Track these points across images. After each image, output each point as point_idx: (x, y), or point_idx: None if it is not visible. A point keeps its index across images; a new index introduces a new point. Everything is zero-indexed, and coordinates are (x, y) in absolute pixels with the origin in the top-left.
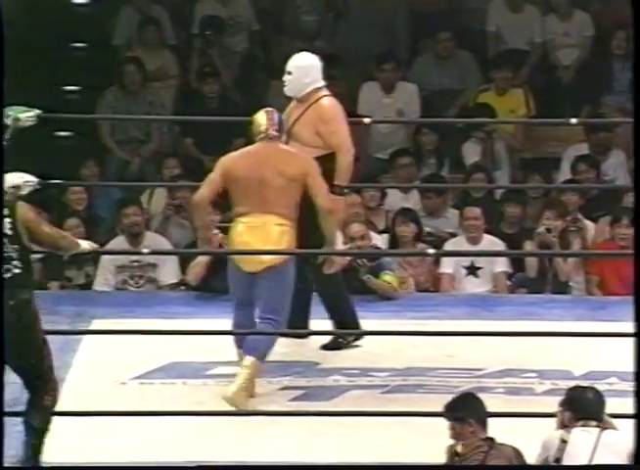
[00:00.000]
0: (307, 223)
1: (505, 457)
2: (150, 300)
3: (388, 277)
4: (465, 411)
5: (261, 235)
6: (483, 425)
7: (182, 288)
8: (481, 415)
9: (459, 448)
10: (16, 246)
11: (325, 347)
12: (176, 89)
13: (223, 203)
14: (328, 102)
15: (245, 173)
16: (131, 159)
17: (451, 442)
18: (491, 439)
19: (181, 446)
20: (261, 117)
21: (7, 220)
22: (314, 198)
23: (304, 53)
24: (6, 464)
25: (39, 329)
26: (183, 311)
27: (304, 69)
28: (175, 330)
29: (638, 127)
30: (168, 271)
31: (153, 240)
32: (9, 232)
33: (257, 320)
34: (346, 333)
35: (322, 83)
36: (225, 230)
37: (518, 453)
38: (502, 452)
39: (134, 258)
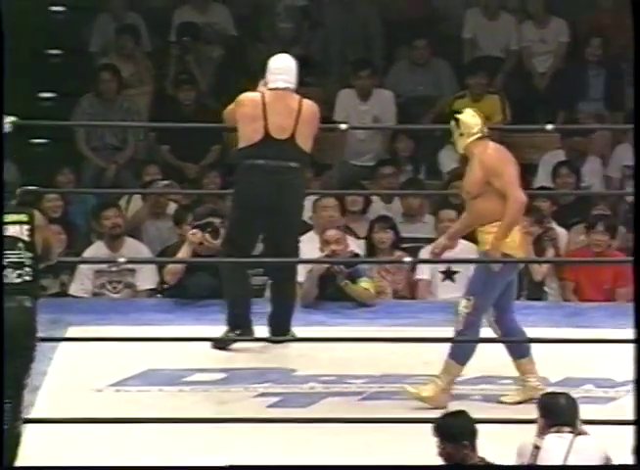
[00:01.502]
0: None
1: None
2: (126, 307)
3: (365, 283)
4: (459, 432)
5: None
6: (475, 447)
7: (159, 295)
8: (474, 436)
9: None
10: (30, 254)
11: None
12: (152, 96)
13: (194, 206)
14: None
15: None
16: (107, 165)
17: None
18: (482, 459)
19: (158, 453)
20: (471, 118)
21: (25, 227)
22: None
23: (283, 54)
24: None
25: (34, 338)
26: (159, 318)
27: (294, 69)
28: (151, 337)
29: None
30: (146, 277)
31: (132, 246)
32: (26, 239)
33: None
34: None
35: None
36: (204, 228)
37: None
38: None
39: None
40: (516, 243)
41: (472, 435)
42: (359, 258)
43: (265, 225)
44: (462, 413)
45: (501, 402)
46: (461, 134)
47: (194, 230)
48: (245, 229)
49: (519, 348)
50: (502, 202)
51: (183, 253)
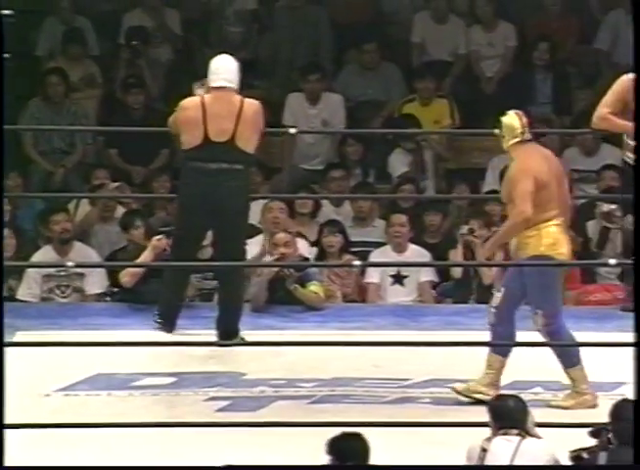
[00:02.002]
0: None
1: None
2: (74, 311)
3: (314, 287)
4: (350, 453)
5: (568, 236)
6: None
7: (107, 298)
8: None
9: None
10: None
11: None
12: (100, 100)
13: (143, 210)
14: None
15: (548, 178)
16: (55, 169)
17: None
18: None
19: (107, 457)
20: (514, 120)
21: None
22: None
23: (224, 55)
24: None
25: None
26: (108, 323)
27: (235, 69)
28: (100, 342)
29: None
30: (95, 281)
31: (80, 250)
32: None
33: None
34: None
35: None
36: (169, 235)
37: None
38: None
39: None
40: (549, 244)
41: (362, 457)
42: (309, 261)
43: (210, 228)
44: (356, 436)
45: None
46: (503, 136)
47: (159, 236)
48: (189, 232)
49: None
50: (535, 207)
51: (145, 257)
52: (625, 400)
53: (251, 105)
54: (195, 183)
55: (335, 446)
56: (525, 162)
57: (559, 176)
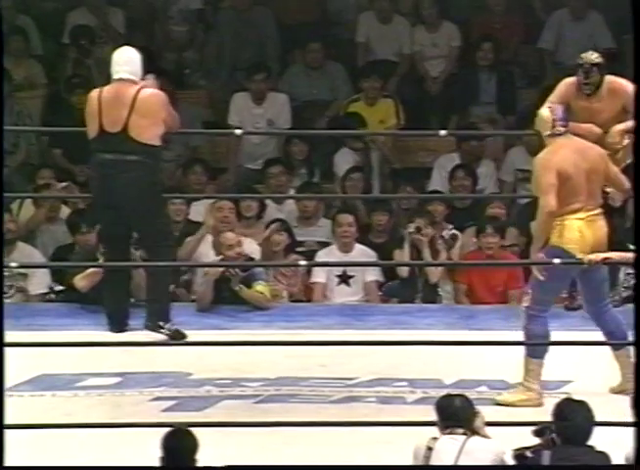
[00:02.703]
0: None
1: None
2: (18, 311)
3: (260, 287)
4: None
5: (595, 229)
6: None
7: (52, 295)
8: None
9: None
10: None
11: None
12: (44, 99)
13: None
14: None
15: (574, 171)
16: None
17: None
18: None
19: (51, 458)
20: (545, 114)
21: None
22: (613, 186)
23: (127, 46)
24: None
25: None
26: (52, 323)
27: (137, 60)
28: (44, 342)
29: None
30: (38, 281)
31: (24, 250)
32: None
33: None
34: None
35: None
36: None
37: None
38: None
39: None
40: (568, 238)
41: (190, 454)
42: (255, 261)
43: (119, 222)
44: (186, 432)
45: (498, 404)
46: (539, 129)
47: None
48: (106, 228)
49: (533, 347)
50: (558, 200)
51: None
52: (568, 400)
53: (150, 95)
54: (97, 175)
55: (164, 443)
56: (549, 155)
57: (590, 170)
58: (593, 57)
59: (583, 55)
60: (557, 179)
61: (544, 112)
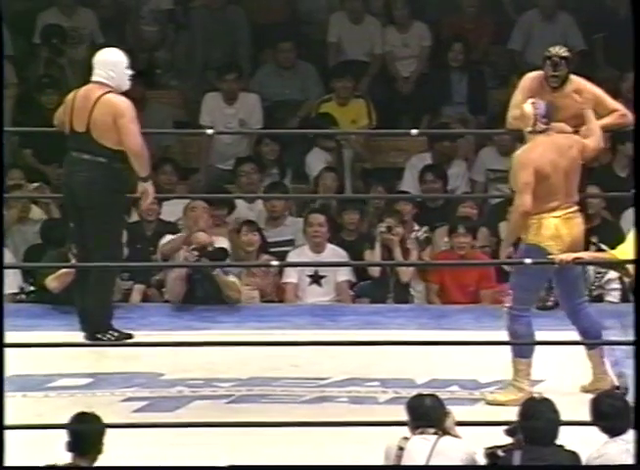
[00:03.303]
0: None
1: None
2: None
3: (233, 278)
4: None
5: (572, 227)
6: None
7: (23, 296)
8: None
9: None
10: None
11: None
12: (14, 99)
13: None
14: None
15: (552, 169)
16: None
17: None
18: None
19: (21, 458)
20: (528, 110)
21: None
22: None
23: (108, 48)
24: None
25: None
26: (23, 324)
27: (113, 63)
28: (15, 342)
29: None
30: (9, 281)
31: None
32: None
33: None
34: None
35: None
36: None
37: None
38: None
39: None
40: (546, 236)
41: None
42: (226, 252)
43: (81, 220)
44: (91, 416)
45: (489, 403)
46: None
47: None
48: (71, 226)
49: (520, 347)
50: (535, 198)
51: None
52: (533, 399)
53: (108, 100)
54: (64, 172)
55: (70, 426)
56: (527, 153)
57: (569, 168)
58: (561, 51)
59: (551, 48)
60: (534, 177)
61: (527, 107)
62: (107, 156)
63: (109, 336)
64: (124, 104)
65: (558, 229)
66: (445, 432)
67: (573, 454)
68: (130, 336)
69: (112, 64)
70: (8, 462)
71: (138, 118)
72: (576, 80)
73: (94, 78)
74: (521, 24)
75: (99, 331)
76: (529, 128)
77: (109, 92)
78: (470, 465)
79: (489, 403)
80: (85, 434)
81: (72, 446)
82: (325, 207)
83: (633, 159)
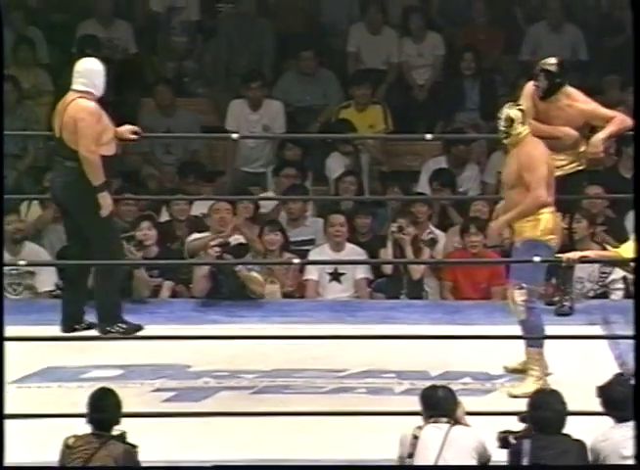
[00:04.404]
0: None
1: (112, 457)
2: (26, 307)
3: (256, 274)
4: None
5: (557, 222)
6: None
7: (58, 292)
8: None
9: (70, 441)
10: None
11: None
12: (51, 106)
13: None
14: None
15: (552, 166)
16: (8, 172)
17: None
18: (106, 436)
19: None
20: (515, 113)
21: None
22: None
23: (89, 58)
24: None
25: None
26: (59, 319)
27: (93, 72)
28: (52, 336)
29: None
30: (45, 279)
31: (31, 249)
32: None
33: None
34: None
35: None
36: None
37: (128, 454)
38: (111, 452)
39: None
40: (546, 230)
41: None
42: (247, 246)
43: (68, 220)
44: (109, 391)
45: (514, 396)
46: (505, 128)
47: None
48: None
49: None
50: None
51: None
52: (542, 391)
53: (73, 107)
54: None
55: (91, 401)
56: (537, 149)
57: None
58: (547, 63)
59: (542, 60)
60: (547, 173)
61: (513, 111)
62: (76, 159)
63: (117, 328)
64: (88, 108)
65: (554, 224)
66: (456, 421)
67: (580, 443)
68: (140, 328)
69: (90, 72)
70: (47, 445)
71: (166, 125)
72: (571, 93)
73: (76, 88)
74: (530, 35)
75: (108, 324)
76: (527, 130)
77: (80, 97)
78: (476, 466)
79: (515, 396)
80: (105, 406)
81: (92, 418)
82: (345, 208)
83: (634, 158)
